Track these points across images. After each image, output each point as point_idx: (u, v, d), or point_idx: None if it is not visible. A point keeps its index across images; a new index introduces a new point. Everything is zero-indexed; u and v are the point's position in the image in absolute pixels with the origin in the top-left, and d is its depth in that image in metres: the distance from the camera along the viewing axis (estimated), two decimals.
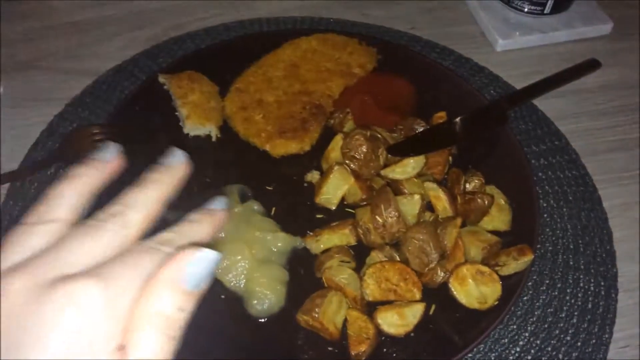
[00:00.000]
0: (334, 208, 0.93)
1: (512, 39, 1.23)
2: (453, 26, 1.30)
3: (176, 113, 1.03)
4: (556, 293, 0.89)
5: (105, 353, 0.37)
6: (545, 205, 0.98)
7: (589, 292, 0.89)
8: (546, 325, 0.85)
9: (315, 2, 1.33)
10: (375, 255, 0.84)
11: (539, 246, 0.91)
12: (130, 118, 1.01)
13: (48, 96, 1.12)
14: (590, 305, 0.88)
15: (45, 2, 1.31)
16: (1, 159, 1.01)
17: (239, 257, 0.84)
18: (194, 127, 1.01)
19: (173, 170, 0.50)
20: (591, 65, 1.13)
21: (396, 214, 0.83)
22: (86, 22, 1.28)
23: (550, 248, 0.94)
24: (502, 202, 0.90)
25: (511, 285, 0.83)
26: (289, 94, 1.04)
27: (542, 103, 1.13)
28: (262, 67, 1.08)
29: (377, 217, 0.84)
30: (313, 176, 0.97)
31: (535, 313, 0.87)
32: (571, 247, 0.94)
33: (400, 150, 0.92)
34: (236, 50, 1.12)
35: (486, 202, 0.85)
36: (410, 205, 0.87)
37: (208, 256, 0.40)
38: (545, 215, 0.97)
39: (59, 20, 1.28)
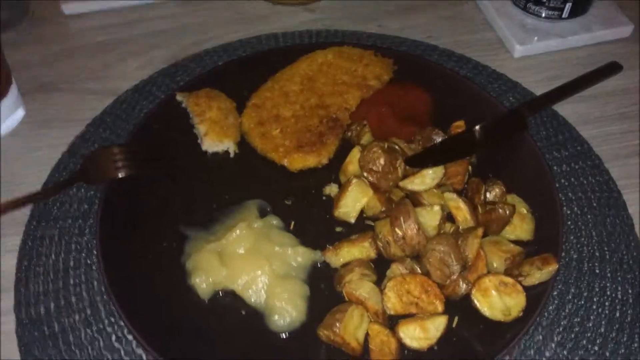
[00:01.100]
0: (353, 221, 0.93)
1: (530, 44, 1.22)
2: (470, 34, 1.29)
3: (194, 130, 1.04)
4: (582, 302, 0.87)
5: None
6: (569, 212, 0.97)
7: (617, 301, 0.87)
8: (573, 335, 0.83)
9: (330, 15, 1.34)
10: (396, 268, 0.84)
11: (563, 255, 0.89)
12: (149, 137, 1.02)
13: (69, 117, 1.14)
14: (618, 314, 0.86)
15: (64, 25, 1.34)
16: (25, 180, 1.03)
17: (259, 273, 0.84)
18: (212, 144, 1.01)
19: None
20: (612, 68, 1.11)
21: (416, 226, 0.83)
22: (105, 43, 1.31)
23: (575, 256, 0.92)
24: (524, 211, 0.89)
25: (536, 295, 0.81)
26: (305, 108, 1.04)
27: (563, 108, 1.11)
28: (279, 82, 1.08)
29: (396, 229, 0.83)
30: (331, 189, 0.97)
31: (562, 323, 0.85)
32: (597, 254, 0.92)
33: (419, 162, 0.91)
34: (252, 65, 1.13)
35: (507, 212, 0.84)
36: (430, 217, 0.86)
37: None
38: (569, 223, 0.95)
39: (78, 42, 1.30)
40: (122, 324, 0.84)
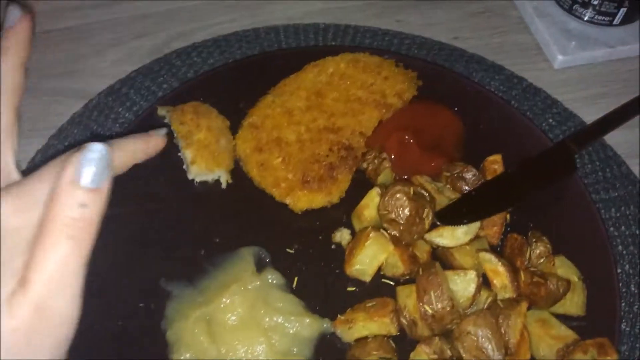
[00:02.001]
0: (368, 280, 0.77)
1: (574, 54, 1.04)
2: (503, 36, 1.11)
3: (179, 154, 0.87)
4: None
5: (16, 255, 0.41)
6: (619, 271, 0.82)
7: None
8: None
9: (342, 5, 1.15)
10: (422, 351, 0.69)
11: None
12: None
13: (30, 126, 0.96)
14: None
15: (26, 4, 1.13)
16: None
17: (256, 351, 0.70)
18: (200, 172, 0.85)
19: (15, 32, 0.50)
20: None
21: (449, 303, 0.68)
22: (77, 29, 1.11)
23: (627, 329, 0.78)
24: (576, 279, 0.75)
25: None
26: (312, 130, 0.87)
27: (609, 135, 0.95)
28: (281, 96, 0.91)
29: (425, 306, 0.68)
30: (342, 236, 0.81)
31: None
32: None
33: (452, 217, 0.76)
34: (250, 73, 0.95)
35: (561, 290, 0.70)
36: (464, 285, 0.72)
37: (96, 149, 0.42)
38: (620, 285, 0.81)
39: (42, 27, 1.10)
40: None
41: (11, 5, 0.52)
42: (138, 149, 0.52)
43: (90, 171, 0.42)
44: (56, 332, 0.43)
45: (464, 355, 0.67)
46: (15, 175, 0.48)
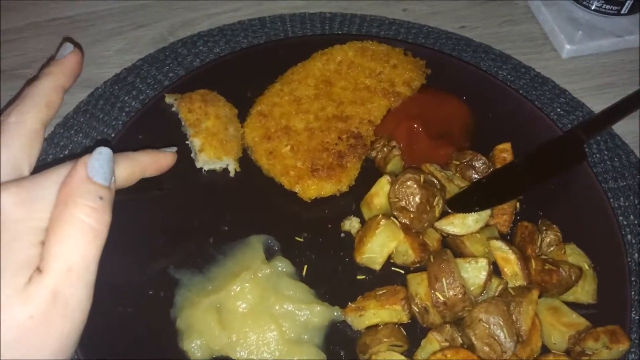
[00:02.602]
0: (378, 268, 0.77)
1: (582, 43, 1.04)
2: (510, 25, 1.10)
3: (187, 143, 0.86)
4: None
5: (28, 246, 0.44)
6: (629, 260, 0.82)
7: None
8: None
9: None
10: (434, 338, 0.69)
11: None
12: (131, 148, 0.84)
13: None
14: None
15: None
16: None
17: (267, 338, 0.69)
18: (208, 161, 0.84)
19: (63, 61, 0.56)
20: None
21: (461, 290, 0.68)
22: (80, 18, 1.10)
23: (637, 318, 0.78)
24: (586, 267, 0.74)
25: None
26: (321, 119, 0.86)
27: (618, 124, 0.94)
28: (289, 84, 0.90)
29: (437, 293, 0.68)
30: (352, 224, 0.81)
31: None
32: None
33: (463, 204, 0.75)
34: (258, 61, 0.94)
35: (573, 277, 0.69)
36: (475, 272, 0.71)
37: (105, 152, 0.49)
38: (630, 274, 0.81)
39: (46, 16, 1.09)
40: None
41: (66, 42, 0.60)
42: (147, 163, 0.57)
43: (102, 169, 0.47)
44: (71, 319, 0.44)
45: (475, 343, 0.67)
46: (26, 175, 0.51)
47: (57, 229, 0.44)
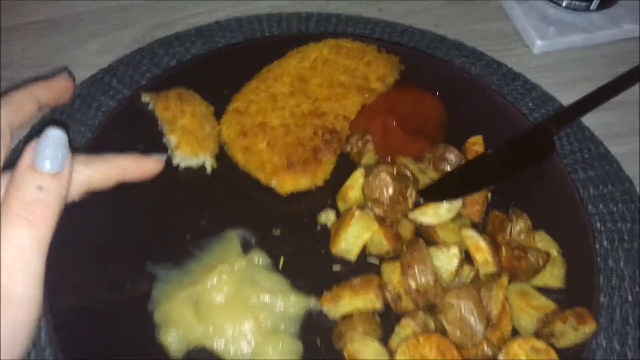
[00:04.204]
0: (353, 259, 0.78)
1: (552, 39, 1.07)
2: (483, 23, 1.13)
3: (163, 140, 0.87)
4: (615, 358, 0.75)
5: None
6: (597, 247, 0.84)
7: None
8: None
9: None
10: (407, 324, 0.70)
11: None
12: (108, 147, 0.84)
13: None
14: None
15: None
16: None
17: (244, 329, 0.70)
18: (185, 157, 0.85)
19: (50, 80, 0.56)
20: None
21: (433, 276, 0.69)
22: (58, 20, 1.11)
23: (605, 301, 0.80)
24: (555, 253, 0.76)
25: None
26: (296, 115, 0.88)
27: (587, 117, 0.96)
28: (265, 82, 0.91)
29: (409, 280, 0.69)
30: (327, 217, 0.82)
31: None
32: (629, 299, 0.80)
33: (435, 194, 0.77)
34: (233, 59, 0.96)
35: (541, 262, 0.71)
36: (447, 260, 0.73)
37: (52, 134, 0.44)
38: (598, 259, 0.83)
39: (23, 18, 1.10)
40: None
41: (64, 73, 0.59)
42: (127, 167, 0.54)
43: (46, 154, 0.43)
44: (18, 314, 0.43)
45: (447, 327, 0.68)
46: None
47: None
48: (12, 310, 0.42)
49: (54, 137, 0.44)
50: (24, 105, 0.52)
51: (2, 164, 0.50)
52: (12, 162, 0.47)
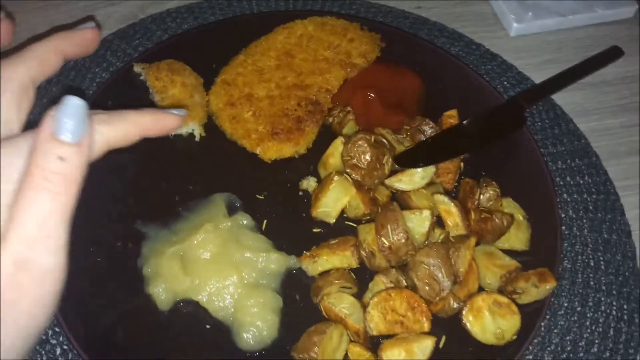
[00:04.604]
0: (333, 222, 0.83)
1: (528, 22, 1.11)
2: (463, 6, 1.17)
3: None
4: (575, 318, 0.81)
5: None
6: (563, 216, 0.89)
7: (611, 317, 0.81)
8: (564, 356, 0.78)
9: None
10: (380, 281, 0.75)
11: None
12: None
13: None
14: (612, 332, 0.80)
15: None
16: None
17: (227, 282, 0.75)
18: None
19: (74, 31, 0.53)
20: (613, 53, 1.03)
21: (405, 235, 0.74)
22: None
23: (569, 266, 0.85)
24: (520, 218, 0.81)
25: (530, 315, 0.74)
26: (282, 87, 0.92)
27: (559, 96, 1.02)
28: (252, 56, 0.96)
29: (383, 239, 0.74)
30: (309, 183, 0.87)
31: (553, 341, 0.79)
32: (592, 264, 0.86)
33: (408, 160, 0.82)
34: (222, 34, 1.00)
35: (505, 223, 0.76)
36: (419, 222, 0.78)
37: (73, 103, 0.42)
38: (563, 228, 0.88)
39: None
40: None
41: (90, 22, 0.57)
42: (147, 123, 0.51)
43: (68, 125, 0.42)
44: (41, 284, 0.43)
45: (417, 283, 0.74)
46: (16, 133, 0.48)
47: (20, 193, 0.42)
48: (35, 282, 0.42)
49: (75, 105, 0.42)
50: (48, 58, 0.50)
51: (25, 120, 0.49)
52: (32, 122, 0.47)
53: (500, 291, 0.75)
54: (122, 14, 1.12)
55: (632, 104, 1.05)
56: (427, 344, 0.71)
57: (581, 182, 0.94)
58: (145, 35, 1.06)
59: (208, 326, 0.75)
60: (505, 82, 1.05)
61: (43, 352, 0.74)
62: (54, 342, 0.75)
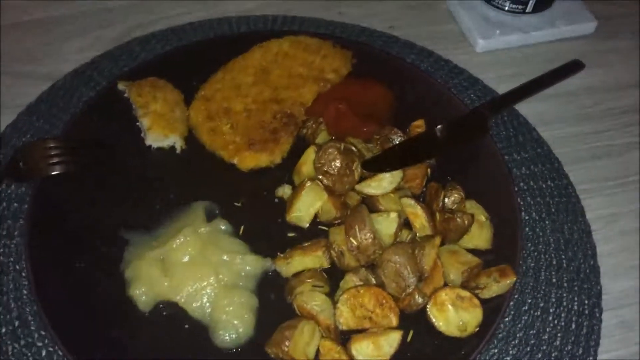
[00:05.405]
0: (306, 226, 0.88)
1: (493, 39, 1.18)
2: (433, 25, 1.24)
3: (137, 123, 0.96)
4: (539, 313, 0.85)
5: None
6: (527, 218, 0.94)
7: (572, 312, 0.85)
8: (528, 349, 0.82)
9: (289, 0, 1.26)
10: (350, 279, 0.80)
11: (520, 262, 0.87)
12: (88, 129, 0.94)
13: (1, 104, 1.04)
14: (573, 326, 0.84)
15: None
16: None
17: (205, 283, 0.79)
18: (156, 138, 0.94)
19: None
20: (574, 66, 1.08)
21: (371, 235, 0.78)
22: (46, 20, 1.21)
23: (532, 264, 0.89)
24: (483, 218, 0.86)
25: (492, 309, 0.79)
26: (258, 101, 0.98)
27: (524, 107, 1.08)
28: (230, 73, 1.01)
29: (351, 239, 0.79)
30: (284, 191, 0.91)
31: (517, 335, 0.83)
32: (554, 262, 0.90)
33: (376, 165, 0.87)
34: (202, 53, 1.06)
35: (466, 222, 0.81)
36: (387, 224, 0.82)
37: None
38: (526, 229, 0.93)
39: (15, 18, 1.20)
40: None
41: None
42: None
43: None
44: None
45: (384, 280, 0.78)
46: None
47: None
48: None
49: None
50: None
51: None
52: None
53: (464, 286, 0.79)
54: (110, 38, 1.18)
55: (593, 113, 1.11)
56: (394, 337, 0.75)
57: (544, 186, 0.99)
58: (130, 56, 1.12)
59: (187, 326, 0.78)
60: (472, 95, 1.11)
61: (29, 354, 0.78)
62: (39, 344, 0.79)
